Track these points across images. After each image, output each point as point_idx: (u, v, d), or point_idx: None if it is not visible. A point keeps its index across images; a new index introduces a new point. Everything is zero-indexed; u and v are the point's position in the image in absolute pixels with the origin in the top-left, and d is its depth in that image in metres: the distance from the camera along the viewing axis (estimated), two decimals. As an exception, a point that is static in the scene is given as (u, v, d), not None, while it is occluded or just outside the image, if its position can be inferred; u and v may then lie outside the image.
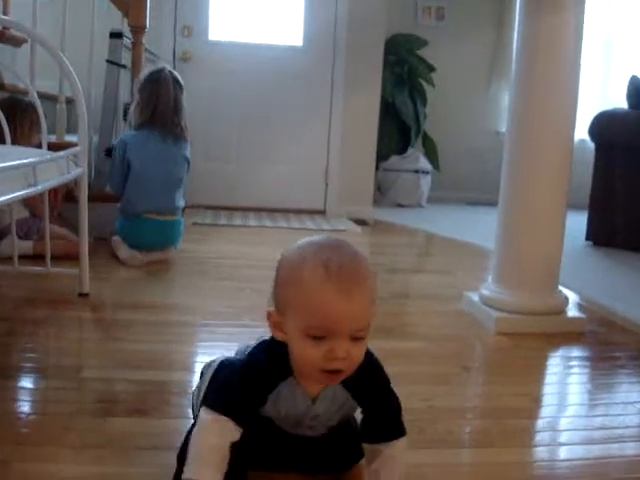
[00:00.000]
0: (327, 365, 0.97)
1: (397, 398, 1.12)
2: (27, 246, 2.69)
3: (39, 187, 1.77)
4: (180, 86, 3.04)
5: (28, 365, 1.71)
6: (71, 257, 2.54)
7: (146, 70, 3.08)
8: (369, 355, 1.07)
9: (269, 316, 1.03)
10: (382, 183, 5.77)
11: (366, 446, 1.12)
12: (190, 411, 1.34)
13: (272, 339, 1.06)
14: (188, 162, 3.11)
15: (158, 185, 2.95)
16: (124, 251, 2.89)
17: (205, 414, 1.03)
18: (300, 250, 1.02)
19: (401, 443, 1.10)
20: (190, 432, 1.07)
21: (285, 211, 4.72)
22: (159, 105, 2.96)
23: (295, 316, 0.98)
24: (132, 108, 3.06)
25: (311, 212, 4.77)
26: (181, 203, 3.09)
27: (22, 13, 3.03)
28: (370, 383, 1.09)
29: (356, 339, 0.97)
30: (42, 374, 1.66)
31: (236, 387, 1.04)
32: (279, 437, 1.14)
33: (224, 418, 1.02)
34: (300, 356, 1.00)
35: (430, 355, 1.98)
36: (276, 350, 1.04)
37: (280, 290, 1.02)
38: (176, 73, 3.07)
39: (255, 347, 1.10)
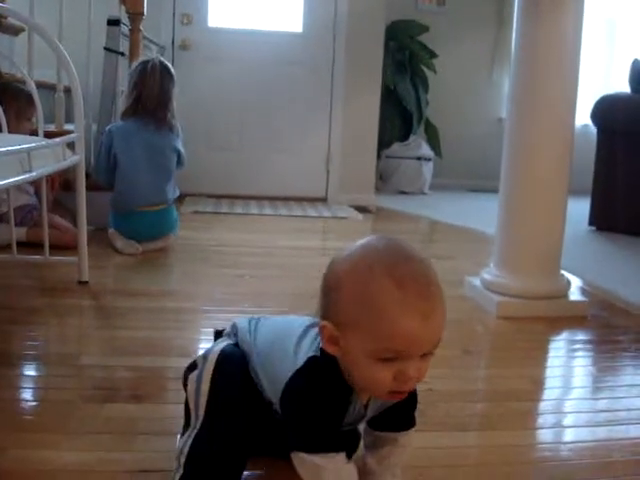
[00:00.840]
0: (398, 387, 0.90)
1: (416, 391, 1.08)
2: (21, 232, 2.68)
3: (34, 173, 1.76)
4: (170, 76, 3.00)
5: (28, 353, 1.71)
6: (64, 247, 2.54)
7: (137, 62, 3.06)
8: None
9: (323, 329, 0.93)
10: (384, 170, 5.76)
11: (375, 433, 1.10)
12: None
13: (322, 357, 0.97)
14: (179, 153, 3.08)
15: (146, 177, 2.92)
16: (120, 242, 2.88)
17: (316, 459, 0.94)
18: (362, 258, 0.91)
19: (413, 433, 1.10)
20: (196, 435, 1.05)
21: (287, 199, 4.71)
22: (144, 95, 2.94)
23: (362, 337, 0.88)
24: (122, 98, 3.06)
25: (313, 200, 4.75)
26: (173, 194, 3.07)
27: (19, 1, 3.02)
28: None
29: (426, 355, 0.91)
30: (42, 361, 1.66)
31: (321, 424, 0.96)
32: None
33: (331, 454, 0.95)
34: (369, 378, 0.91)
35: (431, 339, 1.97)
36: (329, 374, 0.96)
37: (341, 305, 0.91)
38: (167, 63, 3.03)
39: (311, 369, 0.98)
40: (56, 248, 2.44)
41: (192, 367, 1.13)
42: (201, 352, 1.15)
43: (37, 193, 2.84)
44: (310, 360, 0.98)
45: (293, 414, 0.98)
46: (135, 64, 3.02)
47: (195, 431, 1.05)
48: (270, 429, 1.09)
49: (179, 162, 3.11)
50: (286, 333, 1.07)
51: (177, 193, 3.15)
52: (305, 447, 0.95)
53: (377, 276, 0.88)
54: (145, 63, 2.97)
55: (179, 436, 1.12)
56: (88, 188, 2.31)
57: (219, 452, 1.03)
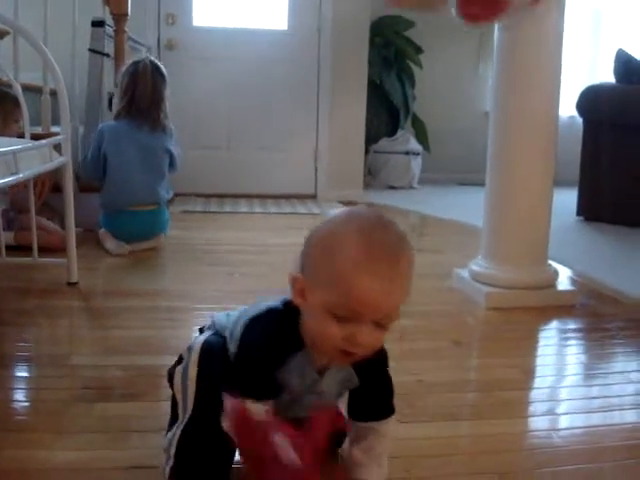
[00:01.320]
0: (346, 347, 0.92)
1: (391, 377, 1.10)
2: (9, 236, 2.68)
3: (20, 175, 1.77)
4: (162, 76, 3.00)
5: (19, 354, 1.71)
6: (51, 249, 2.54)
7: (130, 61, 3.06)
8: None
9: (294, 281, 0.95)
10: (372, 165, 5.76)
11: (357, 424, 1.10)
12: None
13: (284, 307, 1.01)
14: (171, 154, 3.07)
15: (138, 177, 2.93)
16: (110, 243, 2.88)
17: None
18: (344, 218, 0.95)
19: (392, 421, 1.11)
20: (183, 428, 1.06)
21: (276, 197, 4.71)
22: (136, 95, 2.94)
23: (323, 290, 0.90)
24: (115, 99, 3.06)
25: (302, 197, 4.76)
26: (165, 195, 3.07)
27: (3, 5, 3.00)
28: (373, 360, 1.01)
29: (381, 326, 0.92)
30: (33, 362, 1.66)
31: (245, 375, 0.99)
32: None
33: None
34: (320, 332, 0.94)
35: (420, 331, 1.98)
36: (284, 325, 0.99)
37: (312, 257, 0.94)
38: (159, 63, 3.03)
39: (266, 316, 1.02)
40: (43, 250, 2.44)
41: (178, 362, 1.14)
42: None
43: (10, 199, 2.84)
44: (269, 308, 1.02)
45: (237, 357, 1.01)
46: (126, 65, 3.01)
47: (184, 422, 1.06)
48: None
49: (172, 164, 3.11)
50: (254, 305, 1.07)
51: (170, 194, 3.15)
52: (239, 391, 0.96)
53: (349, 233, 0.90)
54: (136, 64, 2.97)
55: (165, 432, 1.13)
56: (77, 190, 2.31)
57: (209, 440, 1.03)
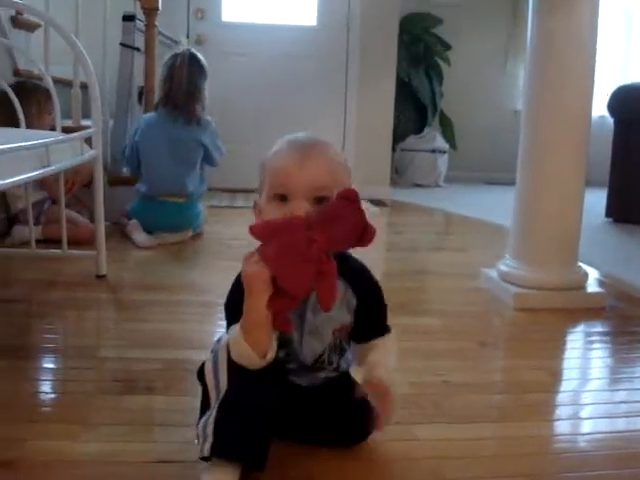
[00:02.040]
0: None
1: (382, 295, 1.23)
2: (37, 230, 2.70)
3: (52, 167, 1.78)
4: (200, 69, 3.03)
5: (47, 346, 1.73)
6: (79, 241, 2.56)
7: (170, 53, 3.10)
8: (360, 262, 1.23)
9: (255, 205, 1.16)
10: (399, 163, 5.75)
11: (362, 346, 1.21)
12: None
13: None
14: (206, 148, 3.08)
15: (167, 168, 2.97)
16: (138, 234, 2.91)
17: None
18: (281, 141, 1.16)
19: (393, 336, 1.23)
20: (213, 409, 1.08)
21: (302, 193, 4.70)
22: (172, 88, 2.98)
23: (266, 187, 1.11)
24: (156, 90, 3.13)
25: (328, 193, 4.75)
26: (196, 187, 3.08)
27: (35, -3, 3.03)
28: (366, 280, 1.21)
29: (319, 200, 1.07)
30: (60, 354, 1.68)
31: (230, 312, 1.14)
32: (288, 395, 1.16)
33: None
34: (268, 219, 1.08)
35: (447, 331, 1.97)
36: None
37: (260, 174, 1.15)
38: (199, 55, 3.06)
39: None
40: (71, 243, 2.47)
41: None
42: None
43: (45, 188, 2.86)
44: None
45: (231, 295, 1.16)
46: (167, 57, 3.05)
47: (219, 400, 1.07)
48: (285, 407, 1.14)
49: (207, 158, 3.12)
50: None
51: (203, 188, 3.16)
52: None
53: (281, 143, 1.15)
54: (175, 57, 3.01)
55: (197, 423, 1.13)
56: (105, 183, 2.33)
57: (247, 413, 1.05)
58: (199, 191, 3.12)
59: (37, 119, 2.67)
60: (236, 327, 1.06)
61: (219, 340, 1.15)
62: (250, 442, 1.05)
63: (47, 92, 2.64)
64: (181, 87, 2.97)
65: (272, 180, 1.10)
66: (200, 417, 1.11)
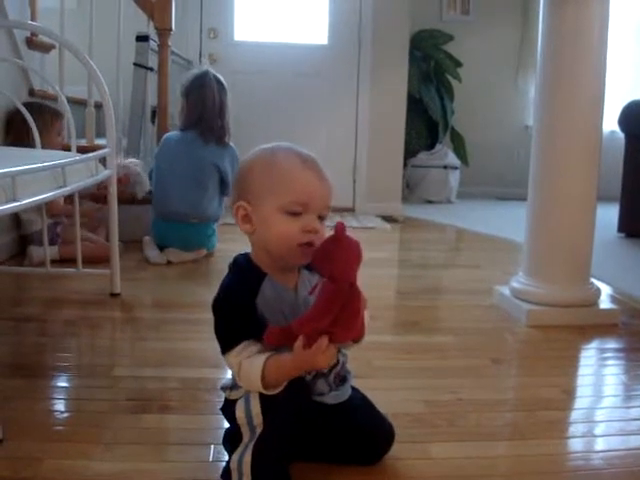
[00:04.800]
0: (304, 238, 1.08)
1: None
2: (54, 251, 2.73)
3: (68, 188, 1.80)
4: (224, 88, 3.06)
5: (61, 364, 1.74)
6: (96, 260, 2.58)
7: (190, 74, 3.10)
8: None
9: (238, 209, 1.13)
10: (410, 179, 5.76)
11: None
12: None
13: (233, 261, 1.18)
14: (222, 172, 3.07)
15: (179, 190, 2.96)
16: (150, 251, 2.93)
17: (231, 359, 1.09)
18: (264, 150, 1.19)
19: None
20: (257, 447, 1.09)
21: (314, 209, 4.71)
22: (205, 110, 2.99)
23: (274, 197, 1.09)
24: (178, 111, 3.11)
25: (340, 210, 4.76)
26: (212, 211, 3.08)
27: (50, 19, 3.07)
28: None
29: (321, 219, 1.11)
30: (75, 373, 1.68)
31: (230, 315, 1.11)
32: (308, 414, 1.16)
33: (243, 344, 1.08)
34: (279, 234, 1.09)
35: (460, 348, 1.97)
36: (242, 263, 1.16)
37: (254, 181, 1.13)
38: (219, 76, 3.08)
39: (224, 278, 1.16)
40: (90, 262, 2.49)
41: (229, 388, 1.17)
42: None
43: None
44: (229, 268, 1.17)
45: (214, 317, 1.13)
46: (189, 78, 3.06)
47: (255, 442, 1.09)
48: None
49: (223, 186, 3.11)
50: None
51: (220, 212, 3.17)
52: (223, 345, 1.10)
53: (282, 152, 1.16)
54: (201, 78, 3.01)
55: (227, 449, 1.15)
56: (119, 201, 2.35)
57: (281, 459, 1.11)
58: (217, 214, 3.13)
59: (44, 139, 2.70)
60: (260, 358, 1.06)
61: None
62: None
63: (54, 112, 2.69)
64: (214, 110, 2.99)
65: (291, 194, 1.09)
66: (231, 442, 1.13)
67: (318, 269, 1.03)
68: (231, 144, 3.11)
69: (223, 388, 1.19)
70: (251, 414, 1.10)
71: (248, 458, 1.08)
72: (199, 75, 3.03)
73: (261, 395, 1.09)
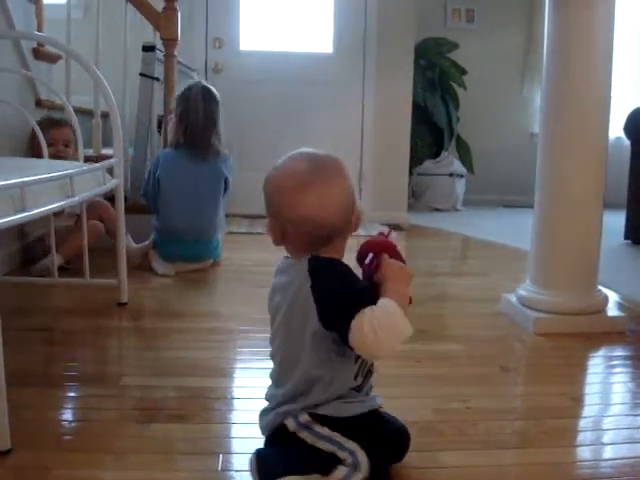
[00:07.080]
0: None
1: None
2: (58, 258, 2.71)
3: (77, 198, 1.81)
4: (214, 101, 3.00)
5: (69, 374, 1.74)
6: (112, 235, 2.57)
7: (183, 86, 3.09)
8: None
9: (274, 225, 1.29)
10: (416, 188, 5.76)
11: None
12: (230, 416, 1.36)
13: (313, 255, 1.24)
14: (225, 178, 3.07)
15: (186, 206, 2.93)
16: (157, 263, 2.92)
17: (365, 316, 1.12)
18: (288, 160, 1.35)
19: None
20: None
21: (320, 218, 4.71)
22: (190, 124, 2.95)
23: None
24: (170, 125, 3.10)
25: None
26: (217, 226, 3.06)
27: (56, 29, 3.09)
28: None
29: None
30: (83, 382, 1.68)
31: (353, 279, 1.20)
32: None
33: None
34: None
35: (468, 357, 1.97)
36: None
37: (284, 194, 1.26)
38: (210, 87, 3.03)
39: (317, 260, 1.24)
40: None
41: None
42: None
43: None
44: (311, 259, 1.23)
45: (331, 296, 1.17)
46: (180, 91, 3.04)
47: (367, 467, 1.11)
48: None
49: (225, 188, 3.10)
50: None
51: (224, 222, 3.15)
52: (356, 306, 1.13)
53: (336, 171, 1.31)
54: (188, 91, 2.98)
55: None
56: (126, 210, 2.35)
57: None
58: (222, 225, 3.13)
59: (54, 153, 2.72)
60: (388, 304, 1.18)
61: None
62: None
63: (58, 125, 2.70)
64: (198, 123, 2.94)
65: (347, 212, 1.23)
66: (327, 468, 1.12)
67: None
68: (225, 151, 3.09)
69: None
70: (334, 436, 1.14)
71: None
72: (185, 89, 3.01)
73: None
